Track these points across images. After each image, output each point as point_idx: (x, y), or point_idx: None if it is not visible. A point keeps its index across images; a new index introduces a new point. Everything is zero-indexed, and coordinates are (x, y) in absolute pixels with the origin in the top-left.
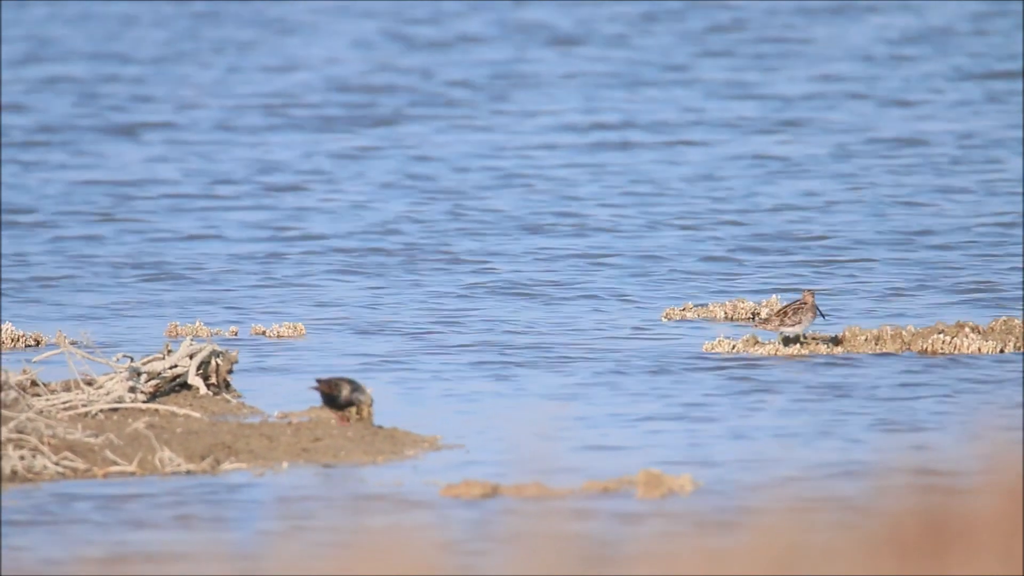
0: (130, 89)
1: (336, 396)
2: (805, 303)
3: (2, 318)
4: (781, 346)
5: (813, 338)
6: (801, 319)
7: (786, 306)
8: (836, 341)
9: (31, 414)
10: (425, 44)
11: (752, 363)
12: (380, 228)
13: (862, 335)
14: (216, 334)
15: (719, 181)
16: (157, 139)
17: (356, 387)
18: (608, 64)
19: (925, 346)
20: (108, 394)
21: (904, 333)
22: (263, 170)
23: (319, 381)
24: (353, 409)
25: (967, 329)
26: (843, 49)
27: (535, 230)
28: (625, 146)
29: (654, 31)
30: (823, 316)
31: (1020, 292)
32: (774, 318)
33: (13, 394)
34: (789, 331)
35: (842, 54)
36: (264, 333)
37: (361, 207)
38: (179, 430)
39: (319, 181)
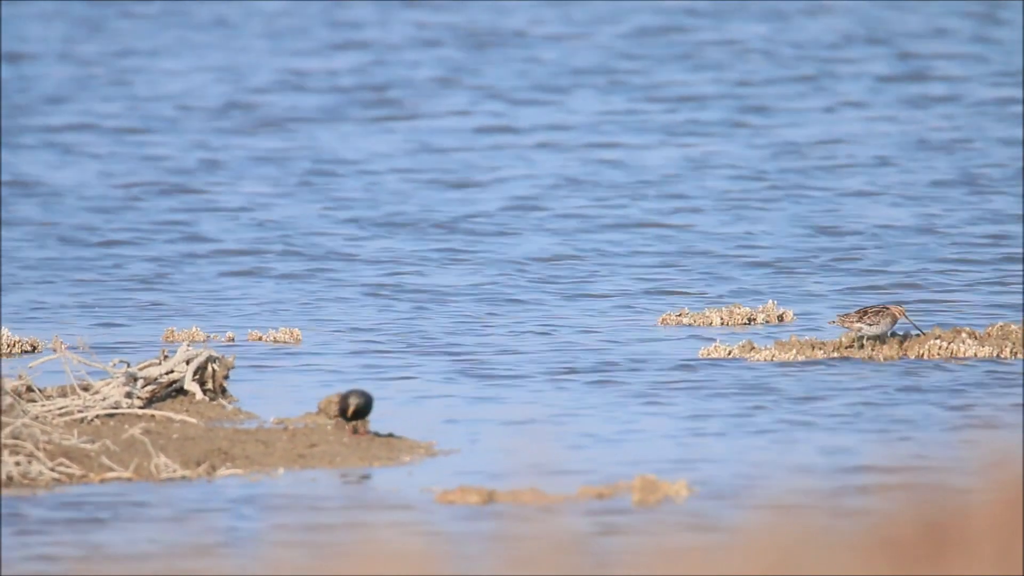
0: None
1: (345, 408)
2: (888, 309)
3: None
4: (776, 351)
5: (811, 344)
6: (879, 321)
7: (869, 308)
8: (833, 346)
9: (27, 420)
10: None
11: (748, 368)
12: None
13: (859, 341)
14: (212, 339)
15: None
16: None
17: (361, 395)
18: None
19: (922, 351)
20: (104, 400)
21: (901, 338)
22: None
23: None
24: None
25: (964, 334)
26: None
27: (529, 230)
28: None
29: None
30: (921, 332)
31: None
32: (854, 315)
33: (9, 400)
34: (868, 330)
35: None
36: (260, 338)
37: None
38: (175, 436)
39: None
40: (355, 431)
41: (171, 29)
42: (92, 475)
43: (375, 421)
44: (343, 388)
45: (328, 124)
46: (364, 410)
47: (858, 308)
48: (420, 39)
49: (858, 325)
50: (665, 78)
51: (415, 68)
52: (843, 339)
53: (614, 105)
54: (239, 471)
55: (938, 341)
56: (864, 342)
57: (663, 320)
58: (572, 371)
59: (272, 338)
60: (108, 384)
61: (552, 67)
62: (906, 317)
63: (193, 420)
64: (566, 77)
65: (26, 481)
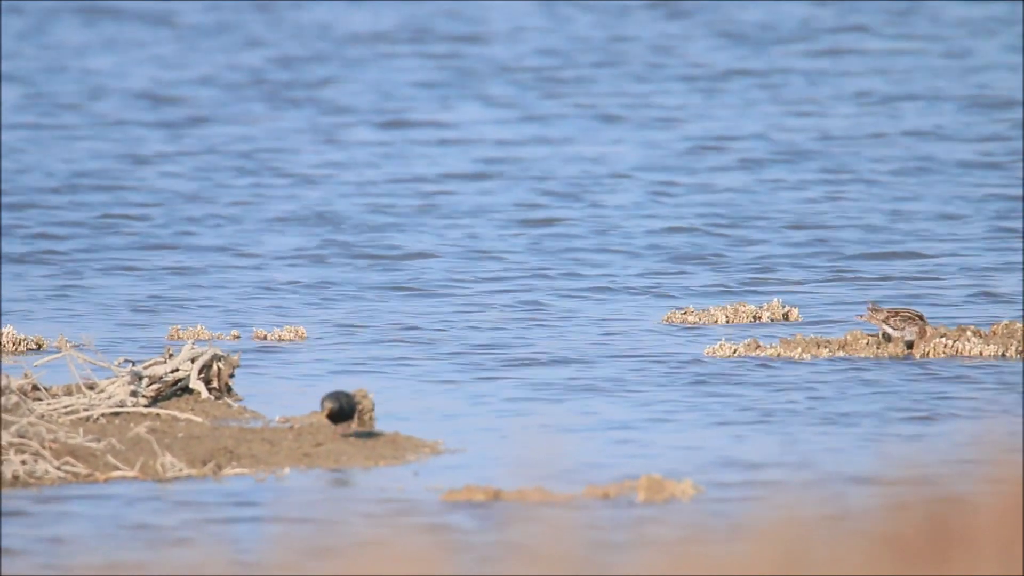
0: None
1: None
2: (919, 321)
3: (2, 321)
4: (782, 350)
5: (816, 342)
6: (904, 327)
7: (902, 311)
8: (839, 345)
9: (32, 418)
10: None
11: (754, 367)
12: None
13: (863, 339)
14: (217, 338)
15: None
16: None
17: (334, 399)
18: None
19: (927, 350)
20: (110, 398)
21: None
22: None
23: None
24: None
25: (968, 333)
26: None
27: (529, 225)
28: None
29: None
30: (942, 336)
31: None
32: (885, 311)
33: (14, 398)
34: (888, 330)
35: None
36: (266, 337)
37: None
38: (181, 435)
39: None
40: (343, 434)
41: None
42: (98, 474)
43: (381, 420)
44: (349, 387)
45: None
46: (338, 415)
47: (892, 307)
48: None
49: (883, 326)
50: None
51: None
52: (847, 337)
53: None
54: (245, 470)
55: (943, 339)
56: (881, 339)
57: (667, 318)
58: (577, 369)
59: (277, 336)
60: (113, 383)
61: None
62: (927, 329)
63: (198, 419)
64: None
65: (32, 480)
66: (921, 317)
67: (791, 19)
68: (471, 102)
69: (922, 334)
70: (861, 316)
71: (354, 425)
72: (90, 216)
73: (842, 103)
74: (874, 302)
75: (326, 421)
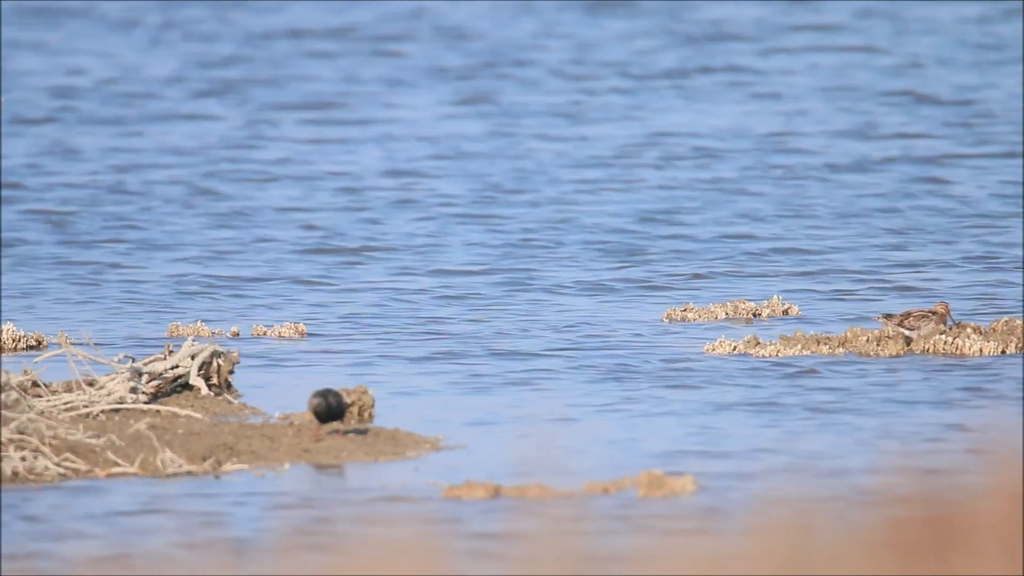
0: None
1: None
2: (935, 313)
3: (2, 318)
4: (782, 347)
5: (816, 339)
6: (920, 326)
7: (916, 310)
8: (839, 342)
9: (32, 415)
10: None
11: (753, 365)
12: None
13: (864, 335)
14: (217, 334)
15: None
16: None
17: (322, 397)
18: None
19: (927, 347)
20: (109, 395)
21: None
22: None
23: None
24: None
25: (969, 330)
26: None
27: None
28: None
29: None
30: (955, 323)
31: None
32: (898, 316)
33: (14, 395)
34: (907, 332)
35: None
36: (265, 334)
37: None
38: (181, 431)
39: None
40: (335, 431)
41: None
42: (98, 470)
43: (381, 415)
44: (349, 384)
45: None
46: (325, 413)
47: (905, 311)
48: None
49: (899, 329)
50: None
51: None
52: (848, 334)
53: None
54: (245, 466)
55: (943, 337)
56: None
57: (667, 315)
58: (577, 366)
59: (277, 333)
60: (113, 379)
61: None
62: (946, 310)
63: (198, 415)
64: None
65: (32, 476)
66: (933, 310)
67: None
68: None
69: (941, 318)
70: (878, 317)
71: (341, 425)
72: None
73: None
74: (886, 314)
75: (315, 419)
